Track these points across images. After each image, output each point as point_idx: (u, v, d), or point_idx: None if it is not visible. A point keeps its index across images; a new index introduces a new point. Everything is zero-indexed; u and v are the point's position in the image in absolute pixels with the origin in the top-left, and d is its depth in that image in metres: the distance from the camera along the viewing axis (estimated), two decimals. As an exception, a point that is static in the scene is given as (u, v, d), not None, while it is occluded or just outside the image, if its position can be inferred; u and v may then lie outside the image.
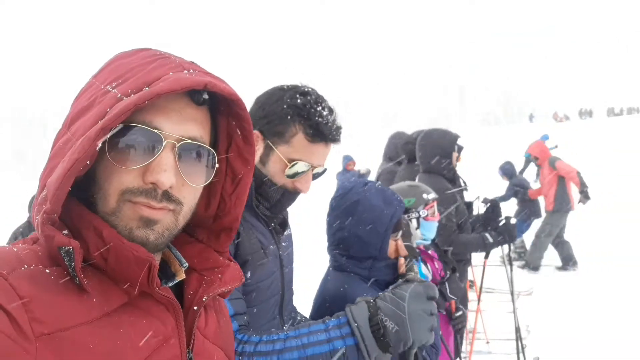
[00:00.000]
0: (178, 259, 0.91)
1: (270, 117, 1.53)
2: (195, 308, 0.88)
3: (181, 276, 0.90)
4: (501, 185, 9.57)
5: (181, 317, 0.86)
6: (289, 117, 1.51)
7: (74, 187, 0.76)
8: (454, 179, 4.01)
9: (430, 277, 2.62)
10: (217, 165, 0.88)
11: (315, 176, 1.60)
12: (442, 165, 3.92)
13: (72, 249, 0.74)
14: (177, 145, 0.80)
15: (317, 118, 1.50)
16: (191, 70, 0.82)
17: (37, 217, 0.76)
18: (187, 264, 0.91)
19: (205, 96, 0.83)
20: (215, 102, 0.89)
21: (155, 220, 0.80)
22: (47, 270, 0.75)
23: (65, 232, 0.76)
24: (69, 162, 0.73)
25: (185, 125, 0.82)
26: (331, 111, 1.55)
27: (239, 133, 0.91)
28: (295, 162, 1.51)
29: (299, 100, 1.51)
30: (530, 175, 12.76)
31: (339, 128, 1.57)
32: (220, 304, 1.03)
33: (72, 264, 0.74)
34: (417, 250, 2.05)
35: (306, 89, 1.56)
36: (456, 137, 4.04)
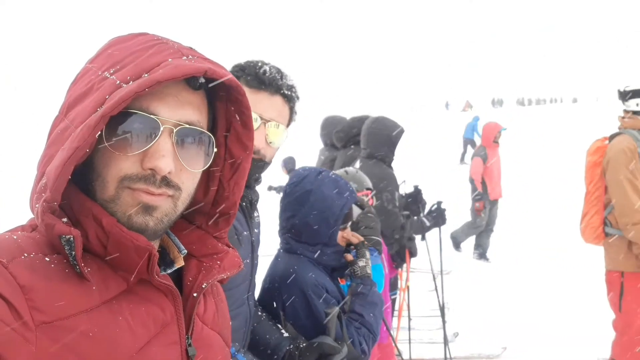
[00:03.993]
0: (177, 245, 0.91)
1: None
2: (194, 295, 0.88)
3: (180, 263, 0.90)
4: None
5: (180, 303, 0.86)
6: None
7: (72, 175, 0.75)
8: (390, 167, 4.13)
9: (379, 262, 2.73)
10: (215, 150, 0.87)
11: (274, 135, 1.55)
12: (387, 154, 4.00)
13: (72, 237, 0.73)
14: (174, 131, 0.80)
15: (257, 70, 1.56)
16: (190, 56, 0.81)
17: (37, 206, 0.75)
18: (185, 251, 0.91)
19: (202, 80, 0.83)
20: (214, 87, 0.88)
21: (155, 206, 0.79)
22: (47, 259, 0.73)
23: (65, 220, 0.75)
24: (69, 151, 0.72)
25: (183, 110, 0.81)
26: (279, 71, 1.59)
27: (238, 118, 0.91)
28: None
29: (243, 63, 1.60)
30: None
31: (289, 85, 1.59)
32: (217, 289, 1.03)
33: (73, 253, 0.73)
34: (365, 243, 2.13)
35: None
36: (403, 130, 4.09)
